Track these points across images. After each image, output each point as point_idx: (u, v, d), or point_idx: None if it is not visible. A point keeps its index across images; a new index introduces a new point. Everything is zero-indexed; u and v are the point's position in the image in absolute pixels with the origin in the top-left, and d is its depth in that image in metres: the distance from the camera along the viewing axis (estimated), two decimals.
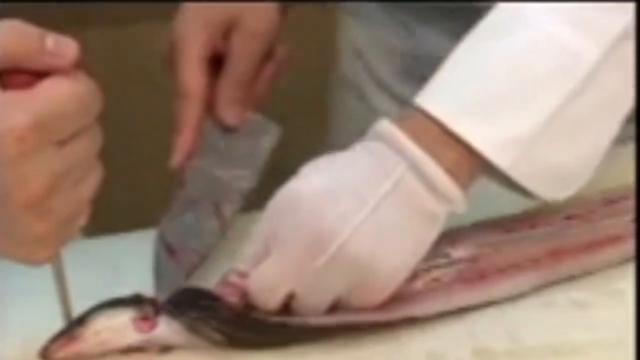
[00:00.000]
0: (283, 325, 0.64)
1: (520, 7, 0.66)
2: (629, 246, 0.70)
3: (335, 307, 0.65)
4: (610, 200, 0.73)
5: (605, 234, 0.71)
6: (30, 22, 0.52)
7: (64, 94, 0.51)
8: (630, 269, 0.70)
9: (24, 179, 0.51)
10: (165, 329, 0.63)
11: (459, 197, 0.63)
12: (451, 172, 0.63)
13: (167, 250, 0.71)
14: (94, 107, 0.53)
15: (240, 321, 0.64)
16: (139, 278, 0.70)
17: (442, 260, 0.66)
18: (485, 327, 0.66)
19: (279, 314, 0.64)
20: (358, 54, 1.02)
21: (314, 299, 0.64)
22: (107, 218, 0.68)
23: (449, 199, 0.63)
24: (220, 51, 0.78)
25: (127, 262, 0.74)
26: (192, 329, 0.63)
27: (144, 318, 0.63)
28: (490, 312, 0.67)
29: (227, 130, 0.77)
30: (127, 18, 1.61)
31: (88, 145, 0.54)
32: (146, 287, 0.66)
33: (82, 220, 0.56)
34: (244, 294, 0.64)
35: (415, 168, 0.62)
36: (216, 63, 0.78)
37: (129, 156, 1.48)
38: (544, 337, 0.65)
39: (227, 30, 0.78)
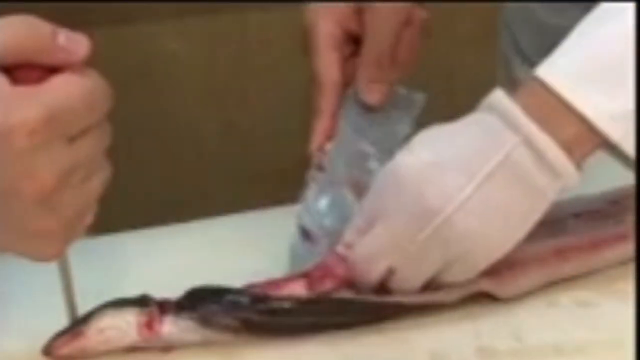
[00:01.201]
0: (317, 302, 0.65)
1: None
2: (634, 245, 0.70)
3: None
4: (615, 199, 0.73)
5: (611, 232, 0.71)
6: None
7: (75, 90, 0.51)
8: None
9: (33, 172, 0.51)
10: (172, 328, 0.64)
11: (573, 174, 0.62)
12: (566, 147, 0.61)
13: (303, 234, 0.71)
14: (103, 104, 0.53)
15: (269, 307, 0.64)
16: (144, 277, 0.71)
17: None
18: (489, 326, 0.66)
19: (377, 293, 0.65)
20: (505, 24, 1.00)
21: (414, 273, 0.64)
22: (109, 216, 0.68)
23: (562, 176, 0.62)
24: (356, 31, 0.75)
25: (132, 261, 0.74)
26: (206, 323, 0.63)
27: (149, 318, 0.64)
28: (494, 311, 0.67)
29: (370, 109, 0.74)
30: (127, 18, 1.61)
31: (97, 142, 0.54)
32: (151, 285, 0.66)
33: (90, 219, 0.56)
34: (348, 265, 0.65)
35: (528, 142, 0.61)
36: (355, 42, 0.75)
37: (130, 155, 1.48)
38: (548, 337, 0.65)
39: (359, 9, 0.74)
